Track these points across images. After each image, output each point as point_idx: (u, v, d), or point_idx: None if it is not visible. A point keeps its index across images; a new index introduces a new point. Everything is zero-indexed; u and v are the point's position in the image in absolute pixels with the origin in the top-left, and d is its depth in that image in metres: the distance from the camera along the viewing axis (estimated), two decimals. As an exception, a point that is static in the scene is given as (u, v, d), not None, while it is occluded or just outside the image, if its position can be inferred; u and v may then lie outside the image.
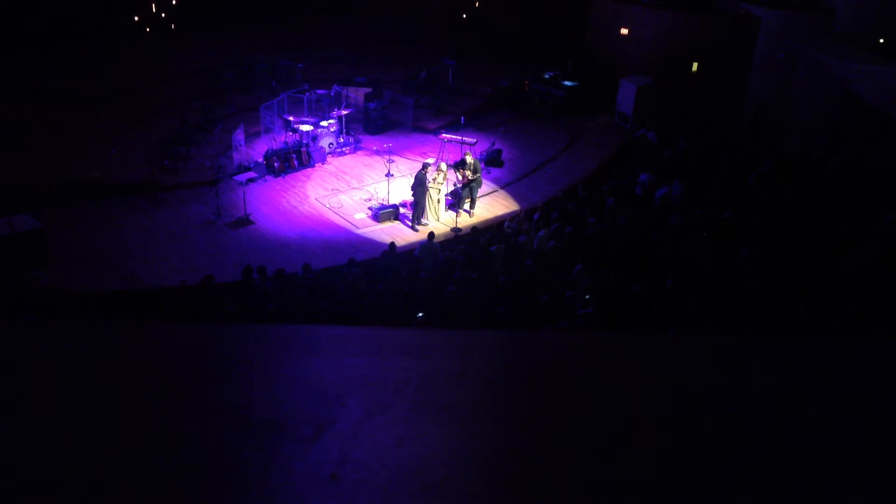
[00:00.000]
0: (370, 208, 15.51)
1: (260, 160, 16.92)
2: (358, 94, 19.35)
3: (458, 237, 14.50)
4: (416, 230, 14.85)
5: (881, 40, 18.76)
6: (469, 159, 15.32)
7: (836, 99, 16.37)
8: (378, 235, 14.66)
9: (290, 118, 17.83)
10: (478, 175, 15.42)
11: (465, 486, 1.21)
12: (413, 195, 15.06)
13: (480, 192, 16.04)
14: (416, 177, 14.90)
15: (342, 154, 18.02)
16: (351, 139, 18.29)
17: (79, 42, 22.14)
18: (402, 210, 15.42)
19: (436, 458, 1.26)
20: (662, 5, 20.64)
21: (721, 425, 1.40)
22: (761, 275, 10.33)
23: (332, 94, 18.67)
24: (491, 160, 17.48)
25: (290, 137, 17.41)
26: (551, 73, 20.88)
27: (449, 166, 15.70)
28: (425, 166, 14.95)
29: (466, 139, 16.93)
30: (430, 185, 14.88)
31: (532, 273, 11.70)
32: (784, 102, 18.73)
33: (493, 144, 17.85)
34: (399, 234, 14.73)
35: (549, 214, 14.10)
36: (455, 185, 15.61)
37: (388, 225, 15.13)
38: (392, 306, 10.68)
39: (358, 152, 18.22)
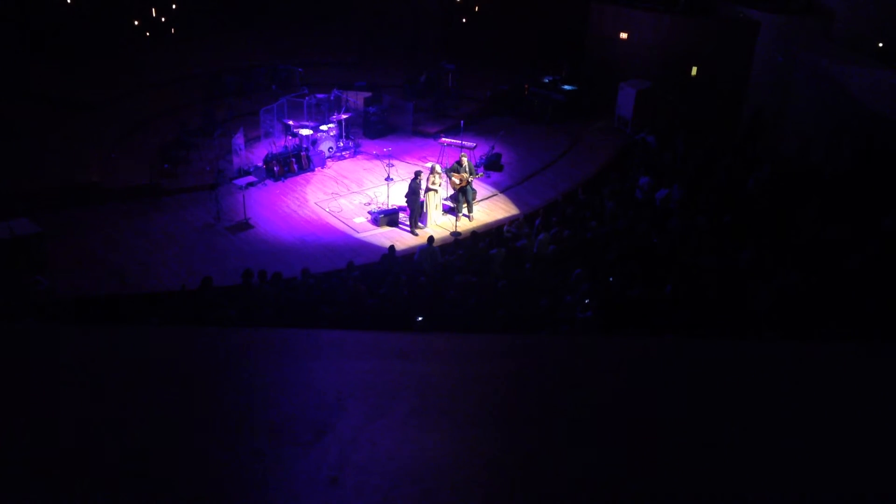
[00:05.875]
0: (370, 212, 15.52)
1: (260, 164, 16.94)
2: (358, 98, 19.38)
3: (457, 241, 14.50)
4: (416, 234, 14.86)
5: (880, 44, 18.79)
6: (465, 161, 15.30)
7: (835, 103, 16.40)
8: (377, 239, 14.67)
9: (290, 122, 17.85)
10: (473, 177, 15.40)
11: (464, 489, 1.21)
12: (407, 203, 15.08)
13: (480, 195, 16.04)
14: (410, 186, 14.92)
15: (342, 158, 18.03)
16: (350, 143, 18.31)
17: (79, 46, 22.16)
18: (401, 215, 15.44)
19: (435, 462, 1.27)
20: (662, 10, 20.68)
21: (721, 428, 1.41)
22: (761, 279, 10.33)
23: (332, 98, 18.68)
24: (490, 164, 17.49)
25: (290, 141, 17.43)
26: (550, 78, 20.92)
27: (445, 170, 15.70)
28: (417, 174, 14.98)
29: (466, 143, 16.94)
30: (429, 187, 14.88)
31: (531, 277, 11.70)
32: (783, 106, 18.75)
33: (493, 148, 17.86)
34: (399, 238, 14.72)
35: (548, 218, 14.11)
36: (454, 189, 15.61)
37: (387, 229, 15.13)
38: (392, 310, 10.68)
39: (357, 156, 18.24)
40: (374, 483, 1.21)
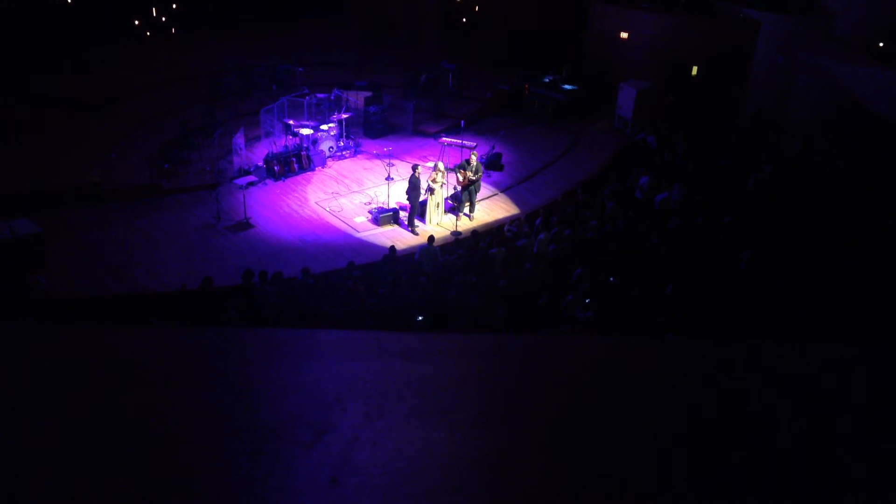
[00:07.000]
0: (370, 212, 15.53)
1: (260, 164, 16.94)
2: (358, 97, 19.38)
3: (458, 241, 14.50)
4: (416, 234, 14.87)
5: (880, 44, 18.80)
6: (473, 160, 15.32)
7: (835, 102, 16.41)
8: (378, 239, 14.67)
9: (291, 122, 17.85)
10: (479, 176, 15.42)
11: (465, 490, 1.21)
12: (408, 199, 15.09)
13: (480, 195, 16.05)
14: (410, 181, 14.94)
15: (342, 158, 18.04)
16: (351, 143, 18.31)
17: (79, 46, 22.16)
18: (402, 213, 15.45)
19: (436, 462, 1.27)
20: (662, 9, 20.68)
21: (720, 429, 1.41)
22: (761, 278, 10.33)
23: (333, 97, 18.69)
24: (491, 164, 17.50)
25: (291, 141, 17.43)
26: (551, 77, 20.92)
27: (448, 169, 15.70)
28: (415, 168, 14.99)
29: (466, 143, 16.95)
30: (430, 184, 14.89)
31: (532, 277, 11.70)
32: (784, 106, 18.75)
33: (493, 148, 17.87)
34: (399, 237, 14.73)
35: (549, 218, 14.12)
36: (455, 188, 15.61)
37: (388, 228, 15.14)
38: (392, 310, 10.67)
39: (358, 156, 18.24)
40: (375, 483, 1.21)
